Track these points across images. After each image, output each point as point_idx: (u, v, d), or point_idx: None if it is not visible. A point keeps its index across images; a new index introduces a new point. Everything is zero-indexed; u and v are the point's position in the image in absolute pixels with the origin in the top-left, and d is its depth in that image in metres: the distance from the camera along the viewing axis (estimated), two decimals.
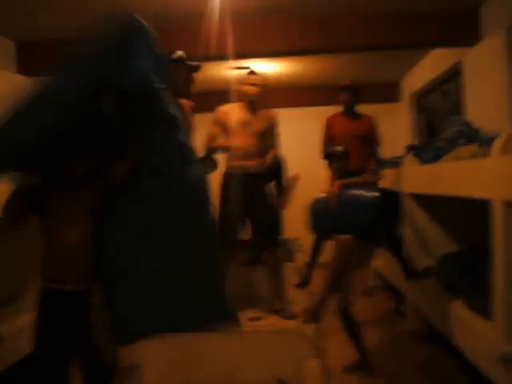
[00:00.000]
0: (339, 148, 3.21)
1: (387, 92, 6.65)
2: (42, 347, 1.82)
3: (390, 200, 3.01)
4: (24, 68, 4.17)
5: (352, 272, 3.01)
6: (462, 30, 3.97)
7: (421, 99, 6.05)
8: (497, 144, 2.25)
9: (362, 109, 4.14)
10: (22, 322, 2.54)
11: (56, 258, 1.84)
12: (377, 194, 2.89)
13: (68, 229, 1.85)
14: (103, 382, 1.93)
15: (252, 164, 3.45)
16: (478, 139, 2.76)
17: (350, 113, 3.97)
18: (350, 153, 3.19)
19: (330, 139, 4.03)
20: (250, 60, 4.53)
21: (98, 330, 1.90)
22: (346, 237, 3.29)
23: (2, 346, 2.50)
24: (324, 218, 3.11)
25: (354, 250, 3.11)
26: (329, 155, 3.26)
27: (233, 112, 3.50)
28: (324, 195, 3.11)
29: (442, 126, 5.00)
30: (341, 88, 3.97)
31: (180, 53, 2.99)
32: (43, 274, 1.87)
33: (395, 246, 3.86)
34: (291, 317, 3.45)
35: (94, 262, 1.91)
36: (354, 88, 3.92)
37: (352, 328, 2.99)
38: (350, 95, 3.93)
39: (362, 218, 2.89)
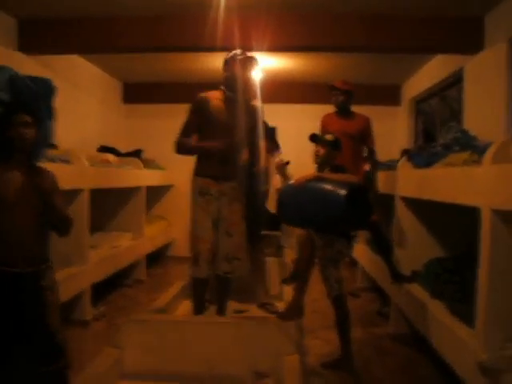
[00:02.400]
0: (329, 136, 3.02)
1: (390, 95, 6.61)
2: None
3: (361, 197, 2.81)
4: (25, 46, 4.15)
5: (337, 264, 2.96)
6: (465, 37, 3.96)
7: (420, 104, 6.05)
8: (489, 152, 2.25)
9: (363, 110, 4.11)
10: None
11: (4, 241, 1.84)
12: (344, 192, 2.62)
13: (16, 212, 1.84)
14: (55, 362, 1.94)
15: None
16: (472, 147, 2.76)
17: (342, 112, 3.95)
18: (340, 146, 3.03)
19: None
20: (254, 53, 4.52)
21: (50, 310, 1.92)
22: (303, 231, 3.24)
23: None
24: (289, 206, 2.95)
25: (314, 244, 3.04)
26: (314, 138, 3.03)
27: None
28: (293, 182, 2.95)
29: (439, 131, 5.02)
30: (329, 88, 3.95)
31: (233, 52, 3.05)
32: None
33: (385, 249, 3.86)
34: (276, 311, 3.48)
35: (43, 245, 1.94)
36: (342, 89, 3.88)
37: (343, 318, 2.97)
38: (337, 96, 3.90)
39: (323, 213, 2.72)
